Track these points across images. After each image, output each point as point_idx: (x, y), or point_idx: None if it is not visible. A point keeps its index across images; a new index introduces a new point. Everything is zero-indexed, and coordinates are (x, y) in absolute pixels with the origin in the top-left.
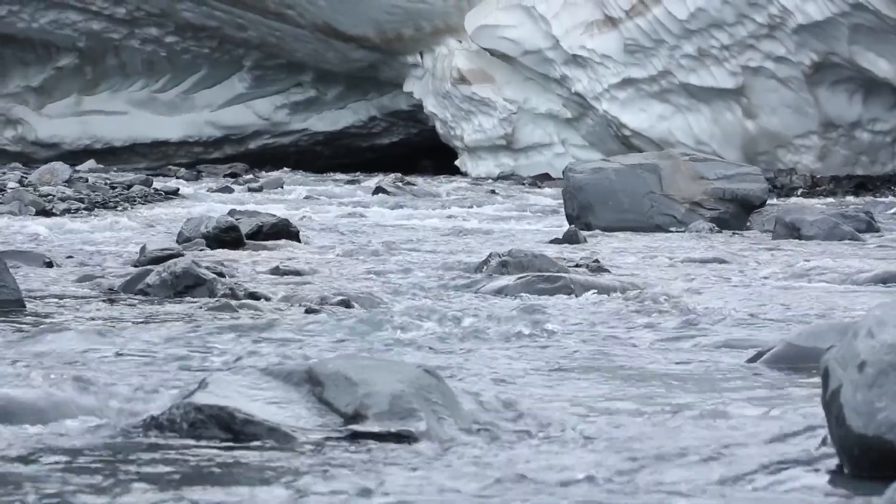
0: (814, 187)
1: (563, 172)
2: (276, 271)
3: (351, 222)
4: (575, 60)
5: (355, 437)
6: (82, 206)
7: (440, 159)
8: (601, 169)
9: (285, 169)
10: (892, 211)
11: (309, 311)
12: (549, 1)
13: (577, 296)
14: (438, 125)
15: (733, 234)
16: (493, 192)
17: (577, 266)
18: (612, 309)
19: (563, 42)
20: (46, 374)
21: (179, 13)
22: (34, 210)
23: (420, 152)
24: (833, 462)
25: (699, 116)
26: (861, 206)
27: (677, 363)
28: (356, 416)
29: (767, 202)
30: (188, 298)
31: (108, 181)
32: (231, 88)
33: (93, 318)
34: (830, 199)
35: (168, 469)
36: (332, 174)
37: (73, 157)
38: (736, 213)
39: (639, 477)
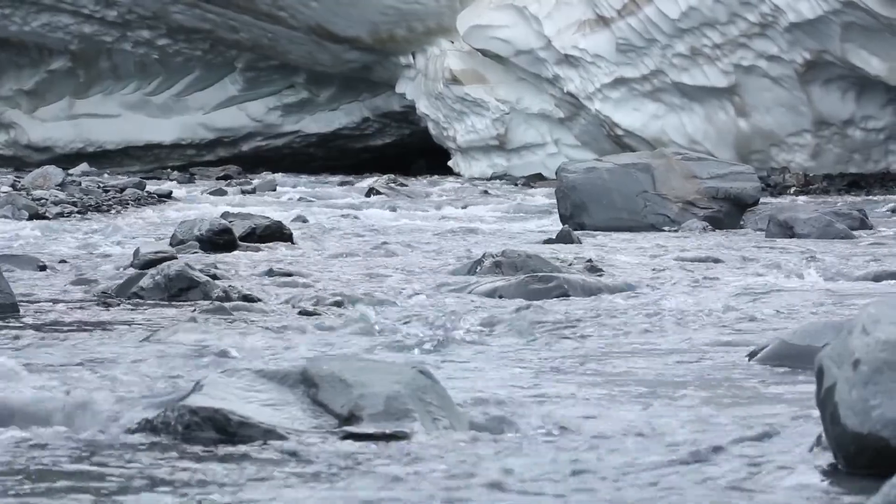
0: (807, 185)
1: (556, 172)
2: (269, 273)
3: (344, 224)
4: (567, 60)
5: (350, 438)
6: (75, 209)
7: (433, 160)
8: (594, 168)
9: (278, 174)
10: (886, 208)
11: (303, 312)
12: (540, 1)
13: (570, 296)
14: (431, 126)
15: (727, 233)
16: (486, 192)
17: (570, 266)
18: (605, 308)
19: (556, 42)
20: (42, 377)
21: (171, 15)
22: (27, 214)
23: (413, 153)
24: (828, 460)
25: (692, 115)
26: (854, 204)
27: (670, 362)
28: (351, 418)
29: (761, 201)
30: (182, 301)
31: (101, 184)
32: (224, 90)
33: (87, 322)
34: (824, 198)
35: (164, 471)
36: (325, 176)
37: (66, 160)
38: (729, 212)
39: (635, 475)
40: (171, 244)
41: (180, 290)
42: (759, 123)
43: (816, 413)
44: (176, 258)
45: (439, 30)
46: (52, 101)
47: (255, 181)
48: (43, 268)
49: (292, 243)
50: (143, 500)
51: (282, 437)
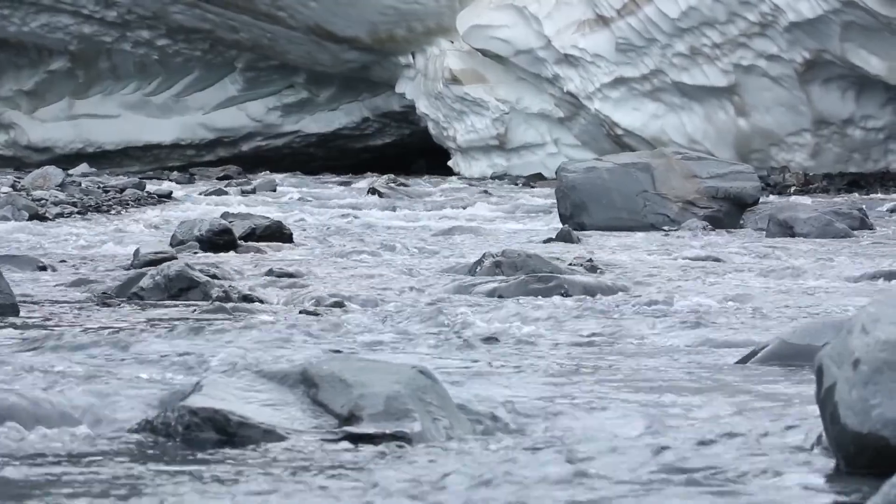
0: (807, 185)
1: (556, 172)
2: (269, 273)
3: (344, 224)
4: (567, 60)
5: (350, 438)
6: (75, 210)
7: (433, 160)
8: (594, 168)
9: (275, 173)
10: (885, 208)
11: (303, 312)
12: (540, 0)
13: (569, 296)
14: (431, 126)
15: (727, 232)
16: (486, 192)
17: (570, 266)
18: (604, 309)
19: (555, 41)
20: (41, 377)
21: (171, 16)
22: (27, 214)
23: (413, 153)
24: (828, 460)
25: (692, 115)
26: (854, 204)
27: (670, 362)
28: (351, 418)
29: (760, 200)
30: (182, 301)
31: (101, 185)
32: (223, 90)
33: (87, 323)
34: (824, 197)
35: (163, 472)
36: (325, 176)
37: (66, 160)
38: (729, 212)
39: (635, 475)
40: (170, 244)
41: (180, 290)
42: (758, 123)
43: (816, 412)
44: (176, 258)
45: (439, 30)
46: (51, 102)
47: (255, 181)
48: (43, 268)
49: (292, 243)
50: (143, 502)
51: (282, 438)
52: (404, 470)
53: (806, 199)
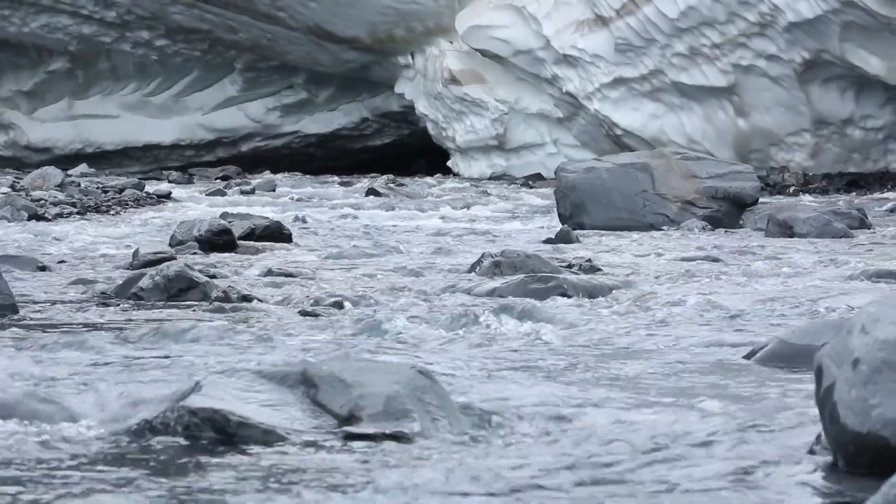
0: (806, 185)
1: (555, 172)
2: (269, 274)
3: (343, 224)
4: (566, 60)
5: (350, 438)
6: (75, 210)
7: (433, 160)
8: (593, 168)
9: (273, 174)
10: (885, 208)
11: (302, 312)
12: (539, 0)
13: (569, 296)
14: (430, 126)
15: (726, 232)
16: (485, 192)
17: (569, 266)
18: (603, 309)
19: (554, 42)
20: (41, 377)
21: (170, 16)
22: (27, 215)
23: (413, 153)
24: (828, 459)
25: (691, 115)
26: (853, 204)
27: (668, 362)
28: (350, 418)
29: (760, 200)
30: (181, 301)
31: (101, 185)
32: (223, 91)
33: (86, 323)
34: (823, 197)
35: (163, 472)
36: (325, 176)
37: (65, 161)
38: (728, 212)
39: (634, 474)
40: (170, 245)
41: (180, 290)
42: (758, 123)
43: (816, 412)
44: (175, 259)
45: (438, 30)
46: (51, 102)
47: (255, 182)
48: (42, 268)
49: (291, 243)
50: (141, 502)
51: (281, 438)
52: (404, 470)
53: (805, 199)
